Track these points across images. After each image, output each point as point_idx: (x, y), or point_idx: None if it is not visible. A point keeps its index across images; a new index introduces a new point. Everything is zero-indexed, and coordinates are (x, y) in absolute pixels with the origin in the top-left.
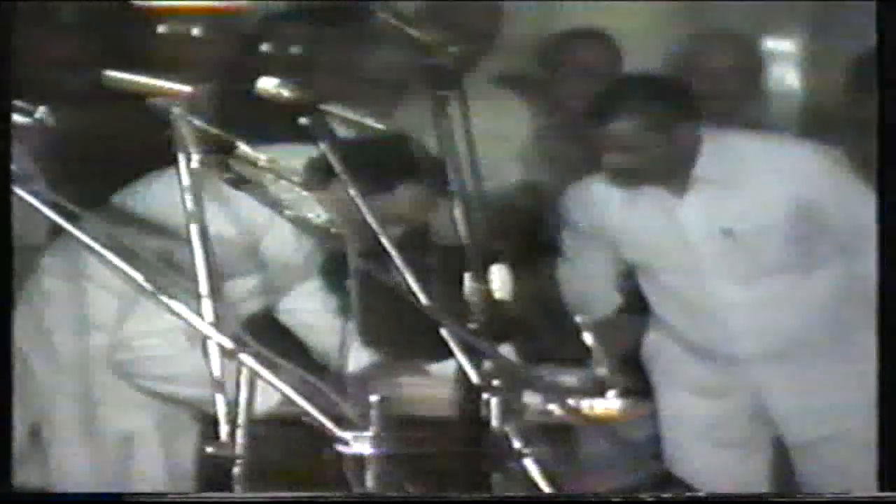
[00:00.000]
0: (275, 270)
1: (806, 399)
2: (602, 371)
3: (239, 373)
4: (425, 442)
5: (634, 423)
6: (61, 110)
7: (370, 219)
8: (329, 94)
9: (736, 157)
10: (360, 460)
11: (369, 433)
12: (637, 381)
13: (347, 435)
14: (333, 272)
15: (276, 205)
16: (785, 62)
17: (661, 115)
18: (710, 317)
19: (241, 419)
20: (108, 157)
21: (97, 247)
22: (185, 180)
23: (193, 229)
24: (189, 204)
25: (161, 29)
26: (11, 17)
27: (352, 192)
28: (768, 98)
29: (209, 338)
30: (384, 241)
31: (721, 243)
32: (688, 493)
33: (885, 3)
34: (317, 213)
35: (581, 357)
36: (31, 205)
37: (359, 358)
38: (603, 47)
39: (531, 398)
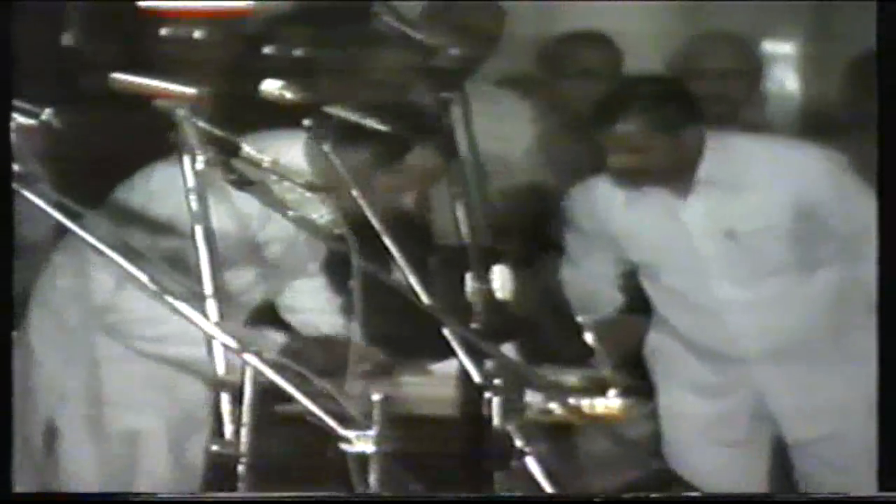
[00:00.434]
0: (273, 260)
1: (805, 398)
2: (603, 370)
3: (244, 372)
4: (427, 440)
5: (635, 421)
6: (67, 112)
7: (373, 219)
8: (332, 95)
9: (739, 159)
10: (363, 459)
11: (372, 432)
12: (638, 380)
13: (350, 434)
14: (336, 271)
15: (279, 206)
16: (783, 65)
17: (668, 116)
18: (711, 316)
19: (245, 418)
20: (114, 158)
21: (102, 247)
22: (190, 181)
23: (198, 230)
24: (193, 205)
25: (164, 31)
26: (10, 18)
27: (354, 192)
28: (767, 101)
29: (214, 337)
30: (386, 241)
31: (723, 244)
32: (688, 493)
33: (886, 3)
34: (320, 214)
35: (582, 356)
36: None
37: (361, 357)
38: (604, 49)
39: (533, 397)
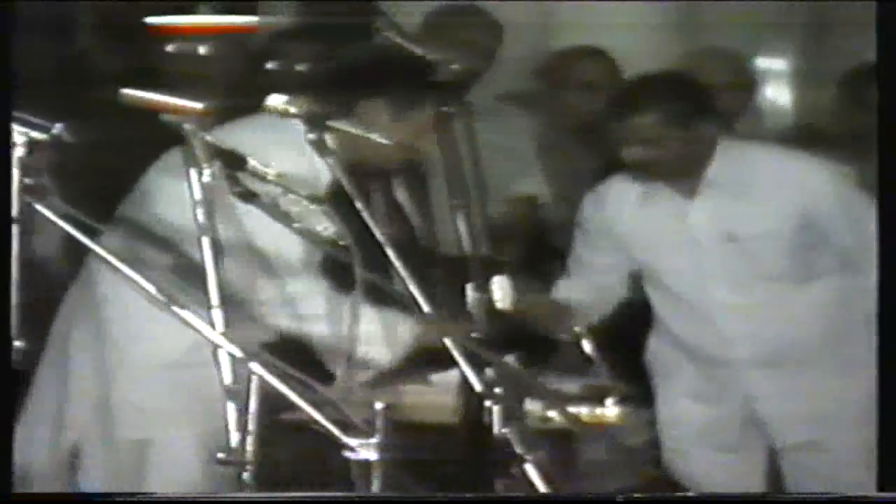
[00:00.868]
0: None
1: (793, 405)
2: (601, 379)
3: (249, 381)
4: (429, 448)
5: (633, 428)
6: (78, 127)
7: (375, 231)
8: (335, 110)
9: (747, 164)
10: (366, 466)
11: (375, 440)
12: (636, 388)
13: (354, 441)
14: (339, 281)
15: (284, 218)
16: (777, 80)
17: (683, 111)
18: (707, 320)
19: (251, 426)
20: (123, 172)
21: (113, 259)
22: (197, 194)
23: (205, 241)
24: (200, 217)
25: (172, 47)
26: (12, 27)
27: (358, 204)
28: (760, 115)
29: (220, 347)
30: (389, 252)
31: (724, 247)
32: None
33: (886, 3)
34: (324, 226)
35: (581, 365)
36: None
37: (364, 366)
38: (601, 65)
39: (532, 405)
